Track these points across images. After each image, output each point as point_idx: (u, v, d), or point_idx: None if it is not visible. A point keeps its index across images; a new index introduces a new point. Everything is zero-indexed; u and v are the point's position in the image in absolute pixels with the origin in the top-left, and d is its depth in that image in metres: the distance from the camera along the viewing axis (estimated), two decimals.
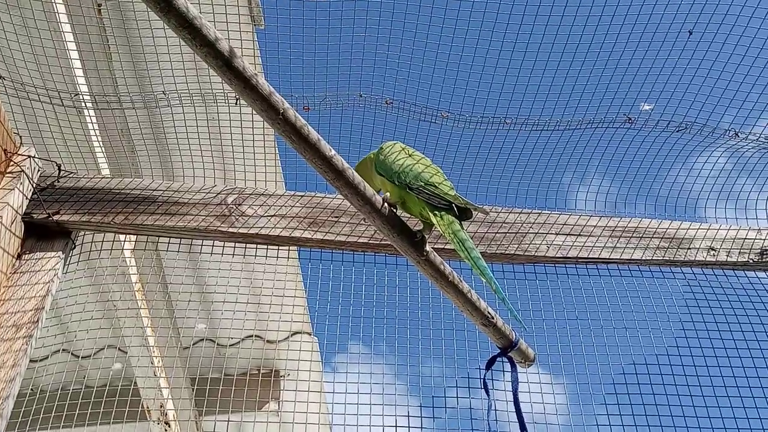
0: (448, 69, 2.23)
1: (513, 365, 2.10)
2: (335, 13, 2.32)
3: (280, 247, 2.59)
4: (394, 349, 2.42)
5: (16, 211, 2.37)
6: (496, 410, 2.10)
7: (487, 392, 2.09)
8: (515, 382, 2.07)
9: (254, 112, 2.64)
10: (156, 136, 2.77)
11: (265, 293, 2.90)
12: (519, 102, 2.31)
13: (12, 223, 2.34)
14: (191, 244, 2.63)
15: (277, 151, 2.87)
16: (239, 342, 3.93)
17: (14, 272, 2.34)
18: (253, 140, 2.68)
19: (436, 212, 1.81)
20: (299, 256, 3.03)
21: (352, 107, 2.35)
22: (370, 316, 2.48)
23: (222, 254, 2.59)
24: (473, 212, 1.87)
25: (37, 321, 2.25)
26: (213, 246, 2.59)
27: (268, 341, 4.10)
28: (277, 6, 2.51)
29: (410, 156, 1.92)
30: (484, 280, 1.79)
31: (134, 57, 2.65)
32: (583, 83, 2.27)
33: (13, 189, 2.37)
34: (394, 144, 1.98)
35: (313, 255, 2.59)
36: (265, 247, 2.59)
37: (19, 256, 2.37)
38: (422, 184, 1.84)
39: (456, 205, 1.84)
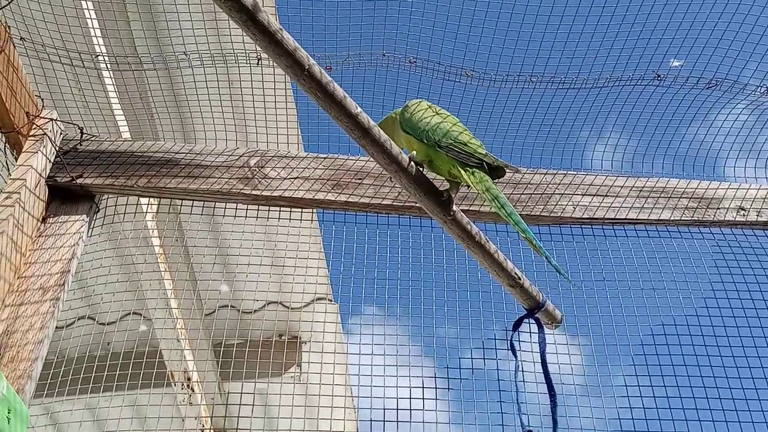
0: (473, 27, 2.18)
1: (540, 326, 2.08)
2: None
3: (302, 210, 2.57)
4: (416, 311, 2.41)
5: (40, 175, 2.37)
6: (523, 371, 2.09)
7: (514, 353, 2.08)
8: (542, 343, 2.06)
9: (276, 70, 2.63)
10: (175, 98, 2.75)
11: (286, 259, 2.90)
12: (545, 60, 2.26)
13: (36, 186, 2.34)
14: (213, 208, 2.62)
15: (297, 113, 2.84)
16: (261, 308, 3.95)
17: (39, 235, 2.34)
18: (275, 102, 2.66)
19: (468, 169, 1.79)
20: (320, 219, 3.01)
21: (375, 67, 2.32)
22: (392, 278, 2.47)
23: (243, 217, 2.58)
24: (505, 171, 1.85)
25: (64, 284, 2.26)
26: (234, 209, 2.59)
27: (289, 307, 4.12)
28: None
29: (437, 114, 1.90)
30: (523, 236, 1.77)
31: (153, 17, 2.62)
32: (611, 39, 2.22)
33: (37, 152, 2.37)
34: (420, 102, 1.95)
35: (334, 218, 2.57)
36: (287, 210, 2.57)
37: (43, 220, 2.37)
38: (452, 141, 1.82)
39: (487, 164, 1.81)
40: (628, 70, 2.31)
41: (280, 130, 2.73)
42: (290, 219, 2.58)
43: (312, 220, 2.70)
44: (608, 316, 2.26)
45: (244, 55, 2.47)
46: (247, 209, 2.56)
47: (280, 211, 2.56)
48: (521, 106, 2.46)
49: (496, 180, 1.84)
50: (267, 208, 2.56)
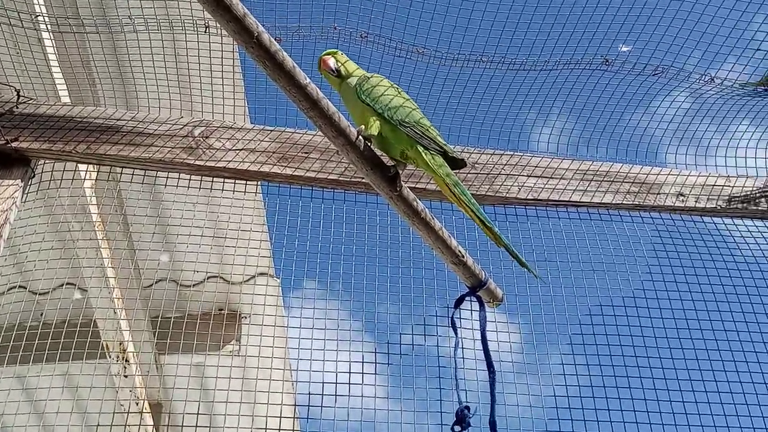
0: (425, 3, 2.18)
1: (481, 304, 2.10)
2: None
3: (246, 183, 2.54)
4: (358, 287, 2.41)
5: None
6: (463, 348, 2.11)
7: (455, 330, 2.09)
8: (483, 321, 2.08)
9: (224, 39, 2.57)
10: (118, 63, 2.67)
11: (228, 231, 2.85)
12: (496, 40, 2.27)
13: None
14: (155, 178, 2.57)
15: (244, 84, 2.79)
16: (201, 282, 3.90)
17: None
18: (222, 72, 2.60)
19: (428, 152, 1.80)
20: (264, 192, 2.97)
21: (326, 40, 2.29)
22: (335, 254, 2.46)
23: (186, 188, 2.53)
24: (465, 164, 1.89)
25: None
26: (177, 180, 2.53)
27: (230, 282, 4.07)
28: None
29: (399, 94, 1.90)
30: (482, 228, 1.80)
31: None
32: (563, 21, 2.23)
33: None
34: (382, 78, 1.94)
35: (279, 191, 2.54)
36: (230, 182, 2.53)
37: None
38: (415, 122, 1.83)
39: (446, 153, 1.84)
40: (578, 53, 2.33)
41: (226, 100, 2.67)
42: (234, 191, 2.54)
43: (256, 192, 2.66)
44: (548, 296, 2.29)
45: (191, 21, 2.40)
46: (189, 180, 2.51)
47: (223, 182, 2.52)
48: (470, 85, 2.46)
49: (455, 170, 1.87)
50: (210, 179, 2.51)
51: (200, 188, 2.53)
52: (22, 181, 2.33)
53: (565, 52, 2.32)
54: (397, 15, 2.21)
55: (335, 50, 2.04)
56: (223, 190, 2.53)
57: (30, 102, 2.44)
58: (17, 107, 2.42)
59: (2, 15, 2.36)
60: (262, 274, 3.79)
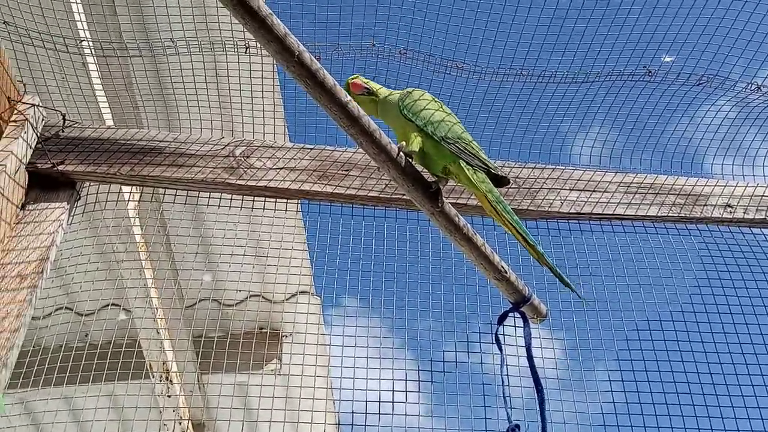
0: (465, 18, 2.17)
1: (525, 320, 2.07)
2: None
3: (287, 201, 2.54)
4: (399, 304, 2.40)
5: (20, 161, 2.32)
6: (507, 365, 2.07)
7: (499, 347, 2.06)
8: (528, 338, 2.05)
9: (264, 58, 2.59)
10: (161, 85, 2.71)
11: (269, 250, 2.87)
12: (536, 54, 2.25)
13: (16, 173, 2.30)
14: (197, 198, 2.59)
15: (283, 102, 2.81)
16: (243, 301, 3.92)
17: (18, 222, 2.30)
18: (262, 91, 2.63)
19: (470, 168, 1.79)
20: (304, 210, 2.98)
21: (364, 57, 2.30)
22: (377, 271, 2.45)
23: (227, 207, 2.54)
24: (508, 181, 1.88)
25: (42, 272, 2.22)
26: (218, 200, 2.55)
27: (271, 300, 4.09)
28: None
29: (441, 108, 1.89)
30: (525, 246, 1.79)
31: (138, 2, 2.58)
32: (604, 33, 2.21)
33: (17, 138, 2.32)
34: (424, 92, 1.94)
35: (317, 209, 2.55)
36: (271, 200, 2.54)
37: (23, 207, 2.33)
38: (458, 137, 1.83)
39: (490, 171, 1.83)
40: (619, 64, 2.30)
41: (266, 119, 2.70)
42: (275, 210, 2.55)
43: (297, 210, 2.67)
44: (593, 311, 2.25)
45: (231, 42, 2.43)
46: (231, 199, 2.52)
47: (264, 201, 2.54)
48: (510, 99, 2.45)
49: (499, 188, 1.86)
50: (251, 198, 2.53)
51: (242, 207, 2.55)
52: (68, 204, 2.37)
53: (607, 64, 2.29)
54: (436, 31, 2.21)
55: (356, 75, 2.06)
56: (264, 209, 2.55)
57: (75, 125, 2.49)
58: (63, 131, 2.47)
59: (48, 41, 2.41)
60: (302, 292, 3.80)
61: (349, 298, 2.49)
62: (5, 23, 2.32)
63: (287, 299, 4.03)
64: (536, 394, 2.00)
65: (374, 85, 2.04)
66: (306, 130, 2.64)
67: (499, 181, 1.87)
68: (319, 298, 3.84)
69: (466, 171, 1.81)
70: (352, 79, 2.04)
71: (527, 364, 2.04)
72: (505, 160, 2.50)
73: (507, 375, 2.09)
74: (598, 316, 2.23)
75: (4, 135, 2.33)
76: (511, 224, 1.80)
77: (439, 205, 1.83)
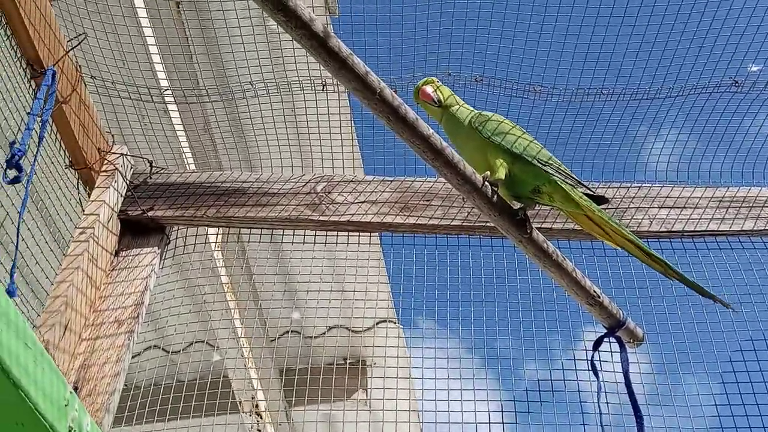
0: (541, 42, 2.15)
1: (621, 345, 2.02)
2: None
3: (363, 234, 2.55)
4: (491, 334, 2.37)
5: (112, 209, 2.40)
6: (606, 392, 2.02)
7: (595, 373, 2.01)
8: (625, 363, 1.99)
9: (337, 94, 2.62)
10: (239, 127, 2.77)
11: (349, 282, 2.88)
12: (616, 71, 2.21)
13: (109, 221, 2.37)
14: (282, 235, 2.62)
15: (356, 136, 2.83)
16: (325, 332, 3.94)
17: (113, 269, 2.37)
18: (340, 126, 2.65)
19: (566, 183, 1.76)
20: (382, 242, 2.99)
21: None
22: (463, 300, 2.43)
23: (305, 242, 2.57)
24: (606, 200, 1.85)
25: (138, 316, 2.28)
26: (301, 236, 2.58)
27: (353, 331, 4.10)
28: None
29: (524, 133, 1.86)
30: (646, 261, 1.75)
31: (213, 50, 2.66)
32: (686, 47, 2.15)
33: (108, 187, 2.40)
34: (495, 114, 1.90)
35: (396, 240, 2.55)
36: (349, 234, 2.56)
37: (116, 253, 2.40)
38: (547, 159, 1.79)
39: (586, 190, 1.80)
40: (704, 77, 2.24)
41: (343, 154, 2.72)
42: (359, 244, 2.56)
43: (377, 244, 2.68)
44: (692, 332, 2.17)
45: (308, 81, 2.47)
46: (315, 235, 2.55)
47: (348, 235, 2.55)
48: (590, 119, 2.40)
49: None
50: (334, 233, 2.55)
51: (325, 243, 2.57)
52: (159, 248, 2.43)
53: (691, 77, 2.23)
54: (512, 56, 2.19)
55: (431, 78, 2.02)
56: (347, 243, 2.56)
57: (162, 171, 2.56)
58: (150, 177, 2.54)
59: (132, 91, 2.49)
60: (384, 320, 3.81)
61: (431, 325, 2.48)
62: (92, 78, 2.42)
63: (369, 329, 4.04)
64: (635, 421, 1.94)
65: (445, 91, 1.99)
66: (385, 161, 2.64)
67: (595, 201, 1.83)
68: (400, 327, 3.83)
69: (565, 188, 1.77)
70: (423, 84, 2.00)
71: (625, 391, 1.99)
72: (588, 181, 2.45)
73: (606, 403, 2.03)
74: (698, 337, 2.15)
75: (96, 185, 2.42)
76: (624, 235, 1.75)
77: (528, 232, 1.80)
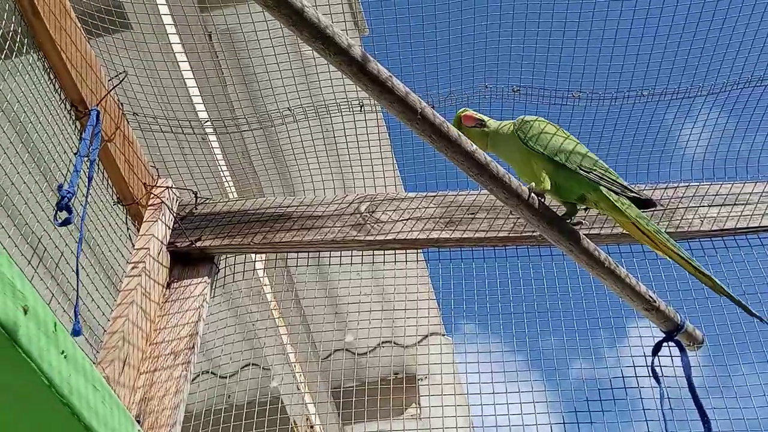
0: (577, 47, 2.13)
1: (682, 349, 1.98)
2: (445, 6, 2.25)
3: (408, 252, 2.55)
4: (546, 344, 2.35)
5: (161, 242, 2.44)
6: (669, 398, 1.98)
7: (657, 380, 1.98)
8: (687, 367, 1.95)
9: (379, 110, 2.63)
10: (276, 153, 2.80)
11: (396, 298, 2.88)
12: (656, 72, 2.18)
13: (159, 254, 2.41)
14: (328, 257, 2.64)
15: (393, 152, 2.83)
16: (374, 349, 3.94)
17: (166, 301, 2.40)
18: (379, 145, 2.66)
19: (612, 193, 1.74)
20: (427, 258, 2.98)
21: (477, 99, 2.29)
22: (507, 312, 2.42)
23: (352, 263, 2.58)
24: (654, 204, 1.82)
25: (193, 346, 2.31)
26: (341, 256, 2.59)
27: (402, 346, 4.10)
28: (379, 11, 2.46)
29: (568, 136, 1.83)
30: (690, 270, 1.73)
31: (247, 79, 2.69)
32: (726, 43, 2.12)
33: (156, 221, 2.44)
34: (538, 118, 1.86)
35: (441, 255, 2.54)
36: (395, 252, 2.56)
37: (168, 285, 2.44)
38: (593, 164, 1.77)
39: (632, 195, 1.78)
40: (746, 71, 2.20)
41: (382, 173, 2.73)
42: (405, 261, 2.57)
43: (417, 260, 2.68)
44: (754, 332, 2.13)
45: (345, 102, 2.49)
46: (362, 255, 2.56)
47: (394, 253, 2.55)
48: (632, 121, 2.36)
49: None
50: (381, 252, 2.55)
51: (363, 262, 2.58)
52: (209, 278, 2.46)
53: (732, 73, 2.19)
54: (548, 64, 2.18)
55: (464, 108, 2.02)
56: (392, 261, 2.56)
57: (207, 202, 2.59)
58: (196, 208, 2.57)
59: (174, 125, 2.53)
60: (432, 334, 3.80)
61: (481, 336, 2.47)
62: (134, 114, 2.46)
63: (418, 342, 4.03)
64: (703, 425, 1.91)
65: (483, 117, 2.00)
66: (425, 177, 2.64)
67: (644, 204, 1.80)
68: (450, 338, 3.82)
69: (610, 198, 1.75)
70: (463, 112, 2.01)
71: (689, 396, 1.95)
72: (634, 183, 2.41)
73: (671, 408, 2.00)
74: (760, 336, 2.11)
75: (144, 219, 2.46)
76: (671, 249, 1.73)
77: (579, 241, 1.78)
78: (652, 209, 1.83)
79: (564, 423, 2.22)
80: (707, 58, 2.14)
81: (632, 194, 1.78)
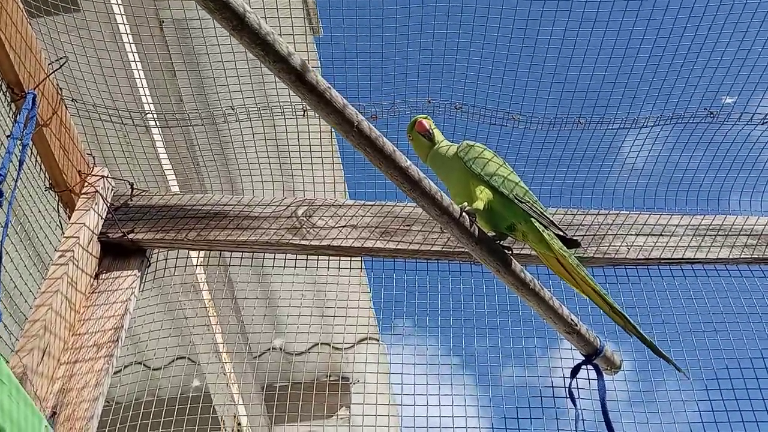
0: (519, 71, 2.17)
1: (599, 373, 2.03)
2: (400, 18, 2.27)
3: (351, 259, 2.57)
4: (485, 359, 2.39)
5: (92, 231, 2.40)
6: (584, 420, 2.03)
7: (573, 402, 2.02)
8: (602, 391, 2.00)
9: (324, 124, 2.64)
10: (221, 151, 2.78)
11: (332, 302, 2.89)
12: (593, 101, 2.24)
13: (89, 244, 2.37)
14: (263, 258, 2.63)
15: (341, 160, 2.85)
16: (308, 351, 3.94)
17: (92, 292, 2.37)
18: (321, 150, 2.67)
19: (541, 226, 1.78)
20: (362, 265, 3.00)
21: (421, 112, 2.31)
22: (445, 316, 2.45)
23: (288, 266, 2.58)
24: (579, 245, 1.87)
25: (117, 340, 2.27)
26: (282, 259, 2.59)
27: (335, 348, 4.10)
28: (334, 13, 2.47)
29: (505, 165, 1.88)
30: (609, 313, 1.78)
31: (197, 74, 2.67)
32: (661, 78, 2.19)
33: (89, 210, 2.40)
34: (484, 147, 1.92)
35: (379, 263, 2.56)
36: (329, 258, 2.57)
37: (96, 276, 2.40)
38: (524, 195, 1.81)
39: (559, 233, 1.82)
40: (680, 107, 2.27)
41: (326, 178, 2.74)
42: (339, 268, 2.58)
43: (360, 268, 2.69)
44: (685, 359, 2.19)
45: (290, 107, 2.49)
46: (296, 258, 2.56)
47: (329, 259, 2.56)
48: (569, 146, 2.42)
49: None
50: (315, 257, 2.55)
51: (306, 267, 2.58)
52: (139, 271, 2.43)
53: (666, 108, 2.26)
54: (491, 84, 2.22)
55: (425, 116, 2.05)
56: (328, 268, 2.57)
57: (143, 194, 2.56)
58: (131, 200, 2.54)
59: (114, 114, 2.50)
60: (366, 338, 3.81)
61: (412, 345, 2.50)
62: (74, 101, 2.42)
63: (353, 346, 4.05)
64: None
65: (439, 134, 2.04)
66: (366, 186, 2.66)
67: (568, 243, 1.85)
68: (383, 344, 3.84)
69: (539, 229, 1.79)
70: (423, 118, 2.04)
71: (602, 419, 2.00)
72: (566, 208, 2.47)
73: (584, 430, 2.05)
74: (692, 362, 2.17)
75: (76, 208, 2.42)
76: (590, 285, 1.78)
77: (507, 262, 1.82)
78: (575, 249, 1.88)
79: (493, 428, 2.25)
80: (643, 92, 2.20)
81: (558, 231, 1.82)
